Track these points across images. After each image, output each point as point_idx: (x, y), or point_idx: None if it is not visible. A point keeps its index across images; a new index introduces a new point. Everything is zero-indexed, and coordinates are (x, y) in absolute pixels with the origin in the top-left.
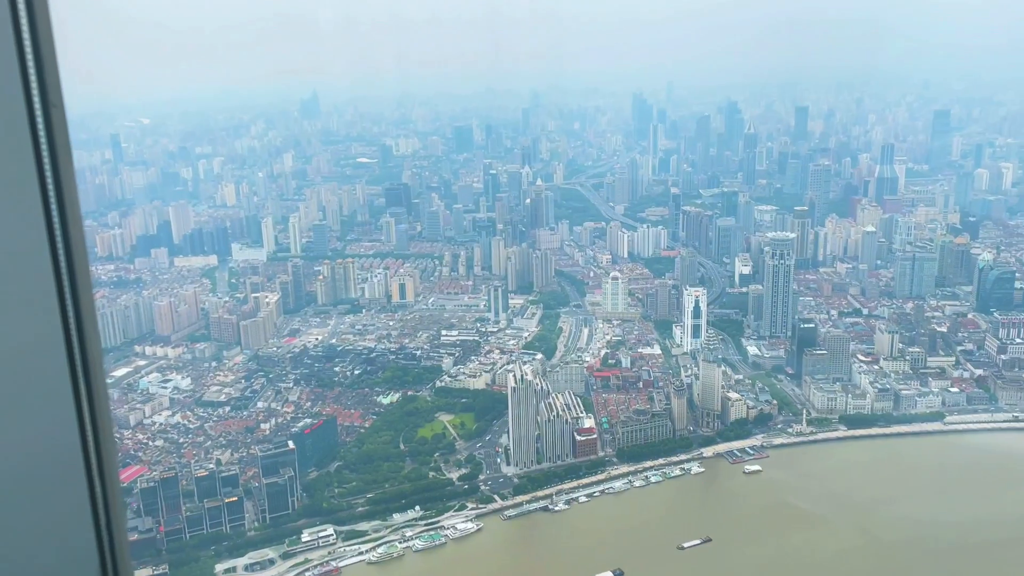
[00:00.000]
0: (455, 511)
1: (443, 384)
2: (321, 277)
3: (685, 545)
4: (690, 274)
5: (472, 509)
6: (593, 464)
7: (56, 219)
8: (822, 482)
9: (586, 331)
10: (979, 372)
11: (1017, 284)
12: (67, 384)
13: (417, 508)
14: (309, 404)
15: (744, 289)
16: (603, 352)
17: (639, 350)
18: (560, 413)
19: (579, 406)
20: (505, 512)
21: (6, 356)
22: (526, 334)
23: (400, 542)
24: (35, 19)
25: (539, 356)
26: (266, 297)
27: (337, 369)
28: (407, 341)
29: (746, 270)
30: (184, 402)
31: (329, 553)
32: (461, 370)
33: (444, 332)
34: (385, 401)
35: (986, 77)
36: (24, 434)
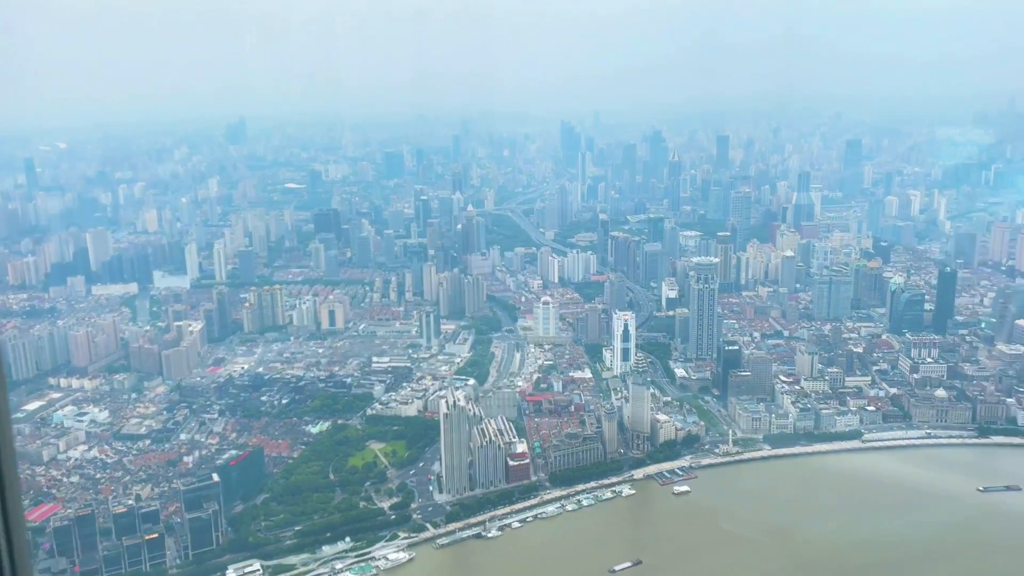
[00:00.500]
0: (386, 541)
1: (374, 412)
2: (247, 304)
3: (616, 568)
4: (619, 298)
5: (404, 538)
6: (526, 489)
7: None
8: (748, 502)
9: (518, 356)
10: (893, 391)
11: (927, 306)
12: None
13: (347, 539)
14: (235, 435)
15: (671, 312)
16: (535, 376)
17: (571, 374)
18: (493, 439)
19: (512, 431)
20: (438, 540)
21: None
22: (458, 359)
23: (330, 575)
24: None
25: (471, 382)
26: (189, 325)
27: (264, 398)
28: (337, 368)
29: (673, 294)
30: (101, 436)
31: None
32: (393, 397)
33: (375, 359)
34: (314, 430)
35: (895, 110)
36: None
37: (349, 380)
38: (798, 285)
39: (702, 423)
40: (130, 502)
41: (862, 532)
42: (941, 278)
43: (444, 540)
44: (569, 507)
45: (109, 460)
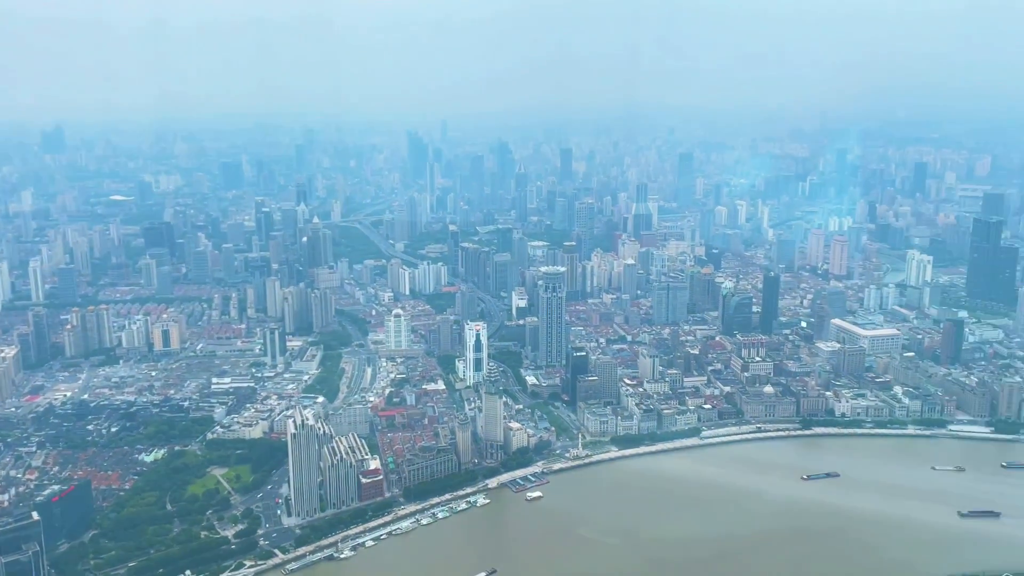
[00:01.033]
0: (231, 571)
1: (215, 436)
2: (69, 326)
3: None
4: (471, 309)
5: (250, 567)
6: (380, 506)
7: None
8: (598, 504)
9: (369, 370)
10: (727, 389)
11: (754, 308)
12: None
13: (188, 573)
14: (57, 469)
15: (521, 321)
16: (387, 391)
17: (424, 386)
18: (344, 456)
19: (364, 448)
20: (287, 566)
21: None
22: (306, 377)
23: None
24: None
25: (320, 399)
26: (1, 352)
27: (90, 427)
28: (173, 392)
29: (522, 303)
30: None
31: None
32: (235, 419)
33: (215, 380)
34: (148, 459)
35: (722, 125)
36: None
37: (187, 404)
38: (639, 291)
39: (553, 429)
40: None
41: (703, 526)
42: (766, 282)
43: (293, 565)
44: (424, 521)
45: None
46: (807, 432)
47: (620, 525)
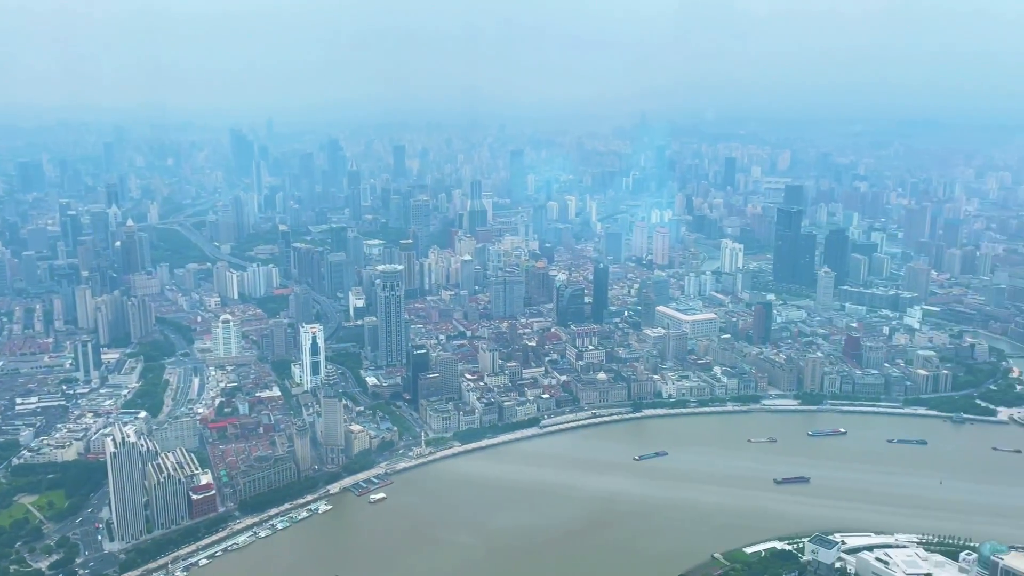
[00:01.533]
0: None
1: (22, 461)
2: None
3: None
4: (305, 311)
5: None
6: (214, 522)
7: None
8: (442, 500)
9: (197, 381)
10: (564, 378)
11: (586, 299)
12: None
13: None
14: None
15: (360, 322)
16: (218, 401)
17: (257, 394)
18: (172, 473)
19: (194, 463)
20: None
21: None
22: (125, 391)
23: None
24: None
25: (143, 414)
26: None
27: None
28: None
29: (360, 303)
30: None
31: None
32: (45, 442)
33: (20, 400)
34: None
35: (550, 123)
36: None
37: None
38: (477, 287)
39: (395, 429)
40: None
41: (543, 512)
42: (596, 274)
43: None
44: (263, 533)
45: None
46: (638, 415)
47: (464, 519)
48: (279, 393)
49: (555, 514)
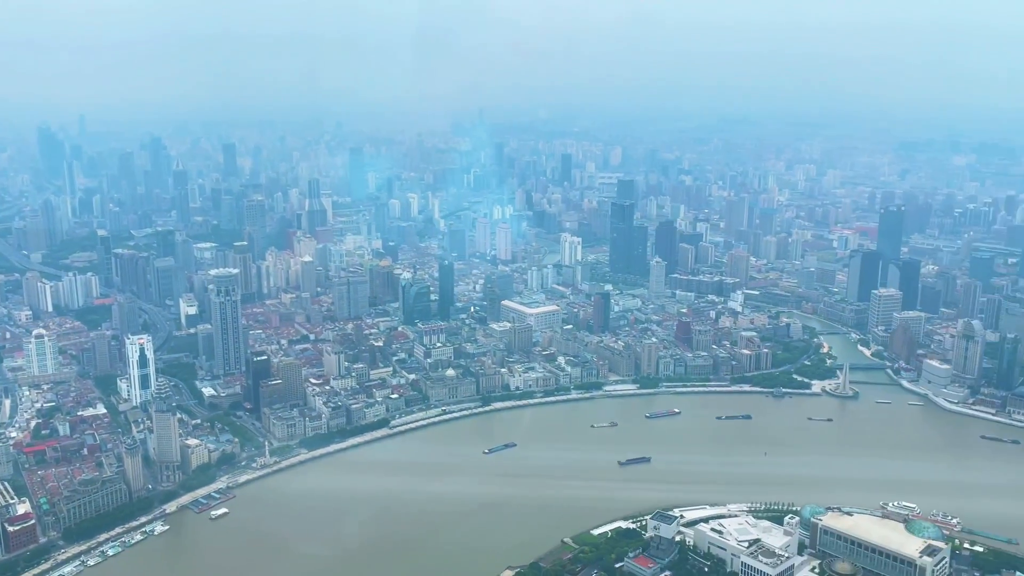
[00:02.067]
0: None
1: None
2: None
3: None
4: (131, 321)
5: None
6: (34, 554)
7: None
8: (288, 511)
9: (8, 402)
10: (412, 377)
11: (432, 296)
12: None
13: None
14: None
15: (193, 330)
16: (33, 423)
17: (79, 413)
18: None
19: (8, 491)
20: None
21: None
22: None
23: None
24: None
25: None
26: None
27: None
28: None
29: (192, 310)
30: None
31: None
32: None
33: None
34: None
35: (387, 118)
36: None
37: None
38: (319, 289)
39: (236, 440)
40: None
41: (393, 514)
42: (441, 271)
43: None
44: (92, 562)
45: None
46: (487, 408)
47: (311, 529)
48: (104, 411)
49: (406, 515)
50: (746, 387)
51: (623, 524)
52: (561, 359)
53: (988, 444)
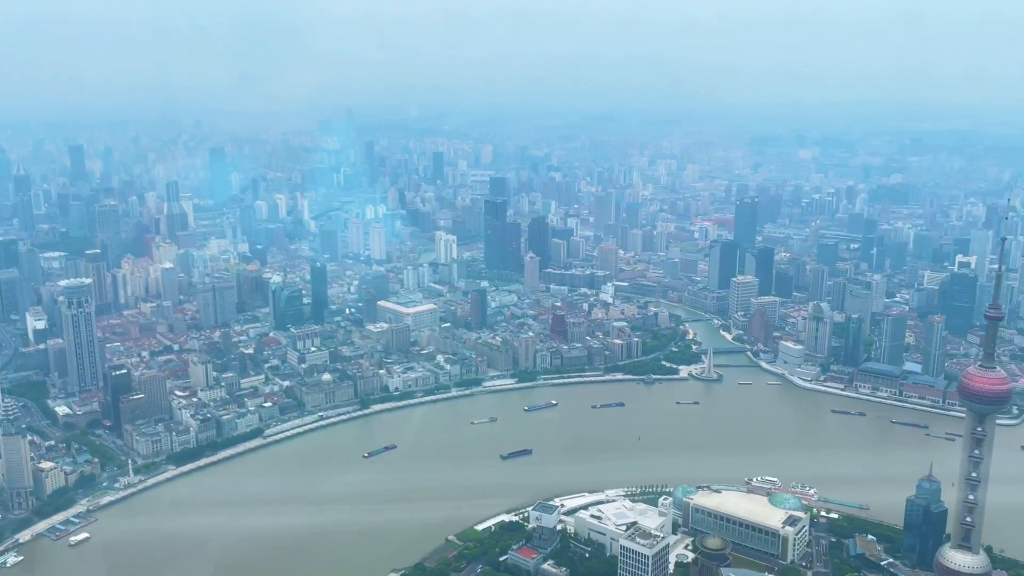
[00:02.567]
0: None
1: None
2: None
3: None
4: None
5: None
6: None
7: None
8: (155, 530)
9: None
10: (286, 383)
11: (305, 300)
12: None
13: None
14: None
15: (42, 345)
16: None
17: None
18: None
19: None
20: None
21: None
22: None
23: None
24: None
25: None
26: None
27: None
28: None
29: (41, 324)
30: None
31: None
32: None
33: None
34: None
35: (250, 118)
36: None
37: None
38: (182, 297)
39: (96, 460)
40: None
41: (269, 526)
42: (313, 273)
43: None
44: None
45: None
46: (366, 412)
47: (181, 548)
48: None
49: (283, 528)
50: (619, 376)
51: (506, 517)
52: (440, 357)
53: (838, 417)
